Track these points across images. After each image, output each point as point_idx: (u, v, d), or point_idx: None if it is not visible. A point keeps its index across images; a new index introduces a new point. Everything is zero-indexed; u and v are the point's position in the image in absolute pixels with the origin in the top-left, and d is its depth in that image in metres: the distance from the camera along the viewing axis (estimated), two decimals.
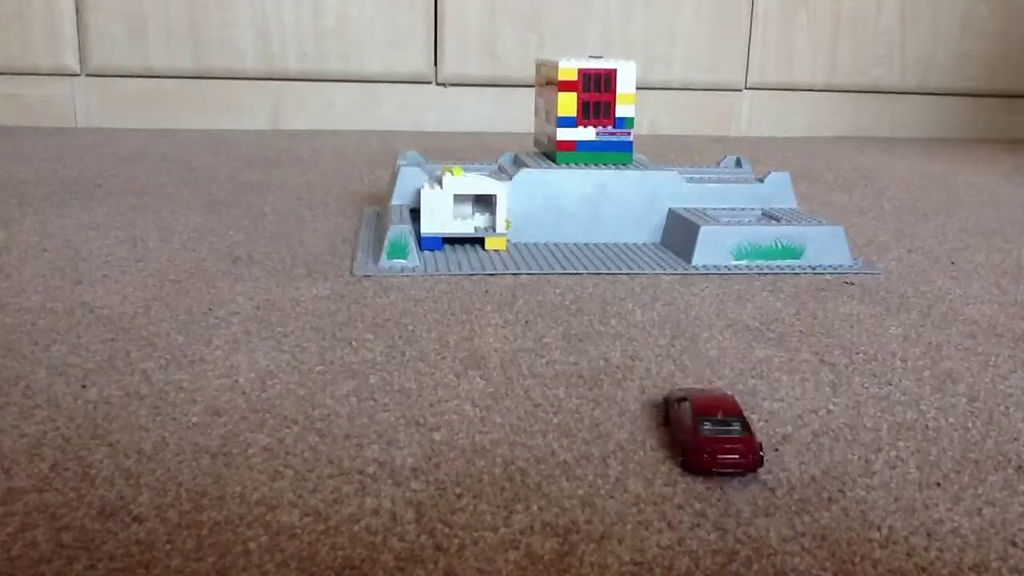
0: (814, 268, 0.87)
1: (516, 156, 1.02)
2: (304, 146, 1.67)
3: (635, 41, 1.98)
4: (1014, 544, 0.41)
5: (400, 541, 0.40)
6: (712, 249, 0.86)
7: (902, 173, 1.57)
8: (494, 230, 0.90)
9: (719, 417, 0.47)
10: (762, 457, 0.46)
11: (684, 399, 0.49)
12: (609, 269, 0.84)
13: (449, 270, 0.82)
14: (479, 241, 0.93)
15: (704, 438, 0.46)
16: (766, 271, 0.85)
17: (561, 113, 0.94)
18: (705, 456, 0.45)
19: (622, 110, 0.95)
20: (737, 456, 0.45)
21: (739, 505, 0.43)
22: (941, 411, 0.55)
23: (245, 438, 0.49)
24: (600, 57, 0.97)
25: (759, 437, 0.50)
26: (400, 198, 0.98)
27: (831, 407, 0.55)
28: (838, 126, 2.14)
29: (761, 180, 1.00)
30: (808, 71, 2.07)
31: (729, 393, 0.50)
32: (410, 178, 0.98)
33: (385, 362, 0.60)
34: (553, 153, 0.97)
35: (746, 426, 0.47)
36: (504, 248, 0.90)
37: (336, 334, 0.65)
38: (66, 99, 1.85)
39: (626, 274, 0.83)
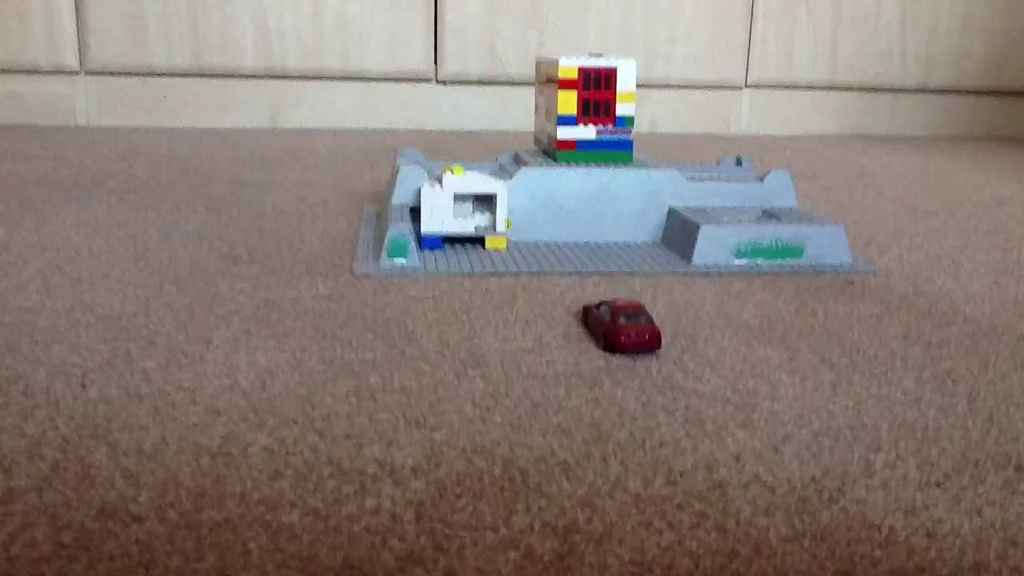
0: (814, 267, 0.87)
1: (516, 155, 1.02)
2: (304, 145, 1.66)
3: (635, 39, 1.98)
4: (1014, 544, 0.41)
5: (400, 541, 0.40)
6: (712, 248, 0.86)
7: (902, 172, 1.57)
8: (494, 229, 0.90)
9: (630, 313, 0.63)
10: (660, 339, 0.63)
11: (603, 304, 0.66)
12: (609, 268, 0.84)
13: (449, 269, 0.82)
14: (479, 240, 0.93)
15: (621, 325, 0.62)
16: (766, 270, 0.85)
17: (561, 111, 0.94)
18: (622, 338, 0.62)
19: (622, 108, 0.95)
20: (645, 336, 0.62)
21: (739, 505, 0.43)
22: (941, 411, 0.55)
23: (245, 438, 0.49)
24: (600, 55, 0.97)
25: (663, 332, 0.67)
26: (400, 197, 0.98)
27: (831, 407, 0.55)
28: (838, 124, 2.14)
29: (761, 179, 1.00)
30: (808, 69, 2.07)
31: (637, 300, 0.69)
32: (410, 177, 0.98)
33: (385, 362, 0.60)
34: (553, 152, 0.97)
35: (649, 319, 0.63)
36: (504, 247, 0.90)
37: (336, 334, 0.65)
38: (66, 97, 1.85)
39: (626, 273, 0.83)
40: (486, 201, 0.92)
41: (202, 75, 1.87)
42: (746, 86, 2.07)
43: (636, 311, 0.63)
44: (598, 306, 0.66)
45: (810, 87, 2.09)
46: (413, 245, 0.83)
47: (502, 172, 0.98)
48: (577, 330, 0.68)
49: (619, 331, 0.62)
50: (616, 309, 0.64)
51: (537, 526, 0.41)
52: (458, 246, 0.91)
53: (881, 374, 0.61)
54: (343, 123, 1.94)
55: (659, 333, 0.62)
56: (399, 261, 0.83)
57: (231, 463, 0.46)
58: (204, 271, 0.81)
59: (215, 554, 0.38)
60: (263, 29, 1.85)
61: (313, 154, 1.55)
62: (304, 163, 1.45)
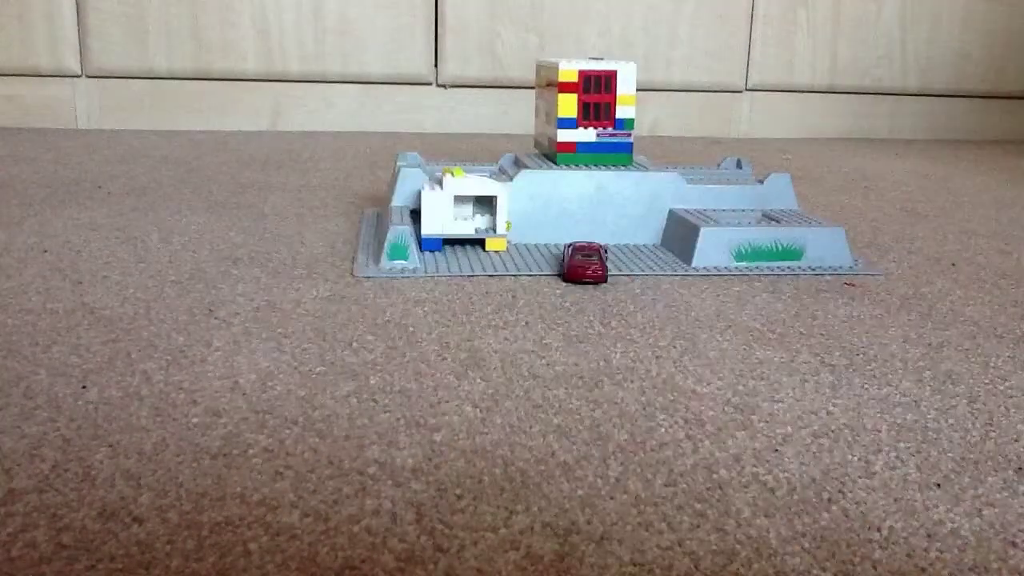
0: (814, 269, 0.87)
1: (516, 157, 1.02)
2: (304, 147, 1.67)
3: (635, 42, 1.98)
4: (1014, 545, 0.41)
5: (400, 542, 0.40)
6: (712, 250, 0.86)
7: (902, 174, 1.57)
8: (494, 231, 0.90)
9: (586, 253, 0.81)
10: (606, 275, 0.80)
11: (570, 245, 0.82)
12: (609, 270, 0.84)
13: (449, 271, 0.82)
14: (479, 242, 0.93)
15: (575, 262, 0.80)
16: (766, 272, 0.85)
17: (561, 114, 0.95)
18: (577, 270, 0.79)
19: (622, 111, 0.95)
20: (591, 271, 0.79)
21: (739, 505, 0.43)
22: (941, 412, 0.55)
23: (245, 439, 0.49)
24: (600, 58, 0.98)
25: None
26: (400, 199, 0.98)
27: (831, 408, 0.55)
28: (838, 127, 2.14)
29: (761, 181, 1.00)
30: (808, 72, 2.08)
31: (597, 243, 0.84)
32: (410, 179, 0.98)
33: (385, 363, 0.60)
34: (553, 154, 0.97)
35: (601, 258, 0.80)
36: (504, 249, 0.90)
37: (336, 335, 0.66)
38: (67, 100, 1.85)
39: (626, 275, 0.83)
40: (486, 203, 0.92)
41: (203, 78, 1.87)
42: (746, 89, 2.07)
43: (591, 252, 0.81)
44: (568, 246, 0.82)
45: (810, 90, 2.10)
46: (413, 247, 0.83)
47: (502, 174, 0.98)
48: (577, 331, 0.68)
49: (572, 266, 0.80)
50: (576, 249, 0.82)
51: (537, 527, 0.41)
52: (458, 248, 0.91)
53: (881, 375, 0.61)
54: (343, 126, 1.94)
55: (604, 268, 0.80)
56: (399, 263, 0.83)
57: (231, 464, 0.46)
58: (204, 273, 0.81)
59: (215, 554, 0.38)
60: (264, 32, 1.86)
61: (313, 156, 1.55)
62: (304, 165, 1.45)
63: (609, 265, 0.86)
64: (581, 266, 0.79)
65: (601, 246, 0.83)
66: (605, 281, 0.80)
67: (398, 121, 1.96)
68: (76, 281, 0.77)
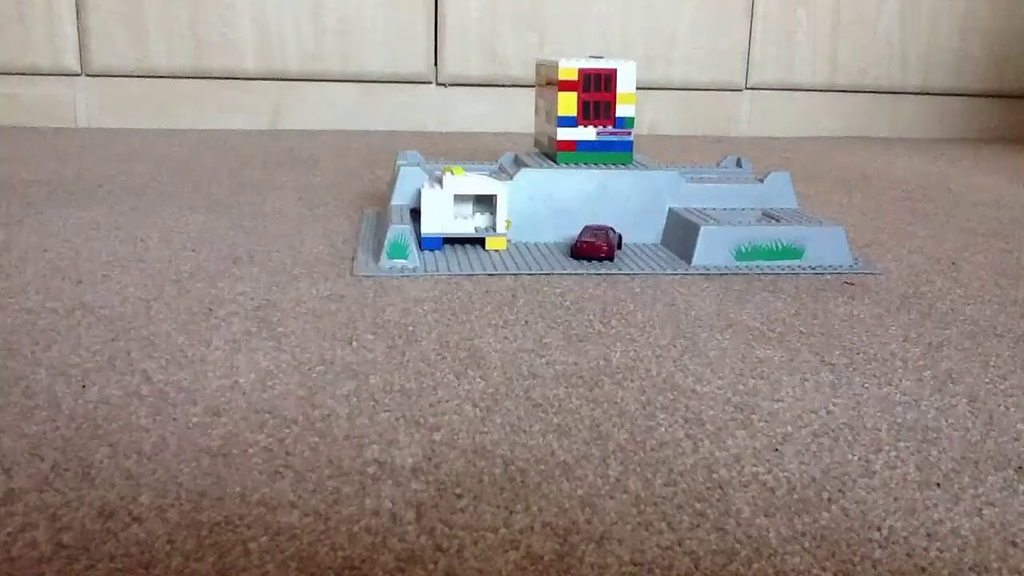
0: (814, 268, 0.87)
1: (516, 156, 1.02)
2: (304, 146, 1.67)
3: (635, 41, 1.98)
4: (1014, 544, 0.41)
5: (400, 541, 0.40)
6: (712, 249, 0.86)
7: (902, 173, 1.57)
8: (494, 230, 0.90)
9: (594, 231, 0.87)
10: (614, 252, 0.86)
11: (585, 229, 0.88)
12: (609, 269, 0.84)
13: (449, 270, 0.82)
14: (479, 241, 0.93)
15: (585, 240, 0.86)
16: (766, 271, 0.85)
17: (561, 113, 0.94)
18: (584, 247, 0.85)
19: (622, 110, 0.95)
20: (598, 247, 0.85)
21: (739, 505, 0.43)
22: (941, 411, 0.55)
23: (245, 438, 0.49)
24: (600, 57, 0.97)
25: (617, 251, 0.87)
26: (400, 198, 0.98)
27: (831, 407, 0.55)
28: (838, 126, 2.14)
29: (761, 180, 1.00)
30: (808, 71, 2.07)
31: (608, 225, 0.91)
32: (410, 178, 0.98)
33: (385, 362, 0.60)
34: (553, 153, 0.97)
35: (609, 238, 0.86)
36: (504, 248, 0.90)
37: (336, 334, 0.65)
38: (66, 99, 1.85)
39: (626, 274, 0.83)
40: (486, 202, 0.92)
41: (202, 77, 1.87)
42: (746, 88, 2.07)
43: (599, 230, 0.87)
44: (582, 231, 0.88)
45: (810, 89, 2.10)
46: (413, 246, 0.83)
47: (502, 173, 0.98)
48: (577, 330, 0.68)
49: (580, 243, 0.85)
50: (587, 228, 0.88)
51: (537, 526, 0.41)
52: (458, 247, 0.91)
53: (881, 375, 0.61)
54: (343, 125, 1.94)
55: (611, 246, 0.85)
56: (399, 262, 0.83)
57: (231, 463, 0.46)
58: (204, 272, 0.81)
59: (215, 554, 0.38)
60: (263, 31, 1.86)
61: (313, 155, 1.55)
62: (304, 164, 1.45)
63: (610, 265, 0.86)
64: (587, 243, 0.85)
65: (611, 228, 0.89)
66: (611, 258, 0.85)
67: (398, 120, 1.96)
68: (76, 280, 0.77)
